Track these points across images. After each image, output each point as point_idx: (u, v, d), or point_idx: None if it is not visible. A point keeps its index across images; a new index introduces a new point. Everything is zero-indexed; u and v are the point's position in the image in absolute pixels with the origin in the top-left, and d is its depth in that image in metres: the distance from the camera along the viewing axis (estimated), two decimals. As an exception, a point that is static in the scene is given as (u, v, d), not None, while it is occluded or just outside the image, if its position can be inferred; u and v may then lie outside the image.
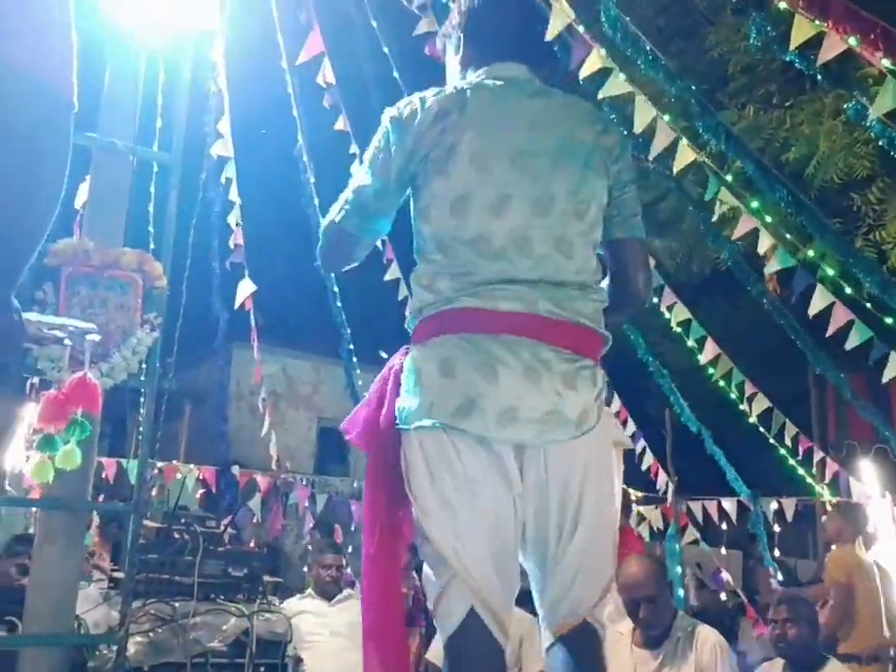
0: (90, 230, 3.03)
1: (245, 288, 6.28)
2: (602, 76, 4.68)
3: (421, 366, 1.76)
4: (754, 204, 5.26)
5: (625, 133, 5.24)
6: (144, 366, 2.90)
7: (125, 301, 2.84)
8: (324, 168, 6.34)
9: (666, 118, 4.81)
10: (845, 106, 5.00)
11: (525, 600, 1.91)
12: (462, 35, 2.02)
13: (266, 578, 3.49)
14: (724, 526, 7.19)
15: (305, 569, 6.71)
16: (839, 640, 4.89)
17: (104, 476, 6.15)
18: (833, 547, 5.67)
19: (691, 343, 6.41)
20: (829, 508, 6.68)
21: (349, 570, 5.80)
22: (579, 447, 1.75)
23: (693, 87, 4.72)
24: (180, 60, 3.32)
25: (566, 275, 1.80)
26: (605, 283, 1.94)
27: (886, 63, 3.51)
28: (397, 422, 1.77)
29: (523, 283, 1.76)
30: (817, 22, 3.54)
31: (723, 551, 7.78)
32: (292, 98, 5.84)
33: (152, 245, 3.10)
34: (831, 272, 5.51)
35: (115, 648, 2.58)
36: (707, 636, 3.34)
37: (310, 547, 7.33)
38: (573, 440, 1.73)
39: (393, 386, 1.81)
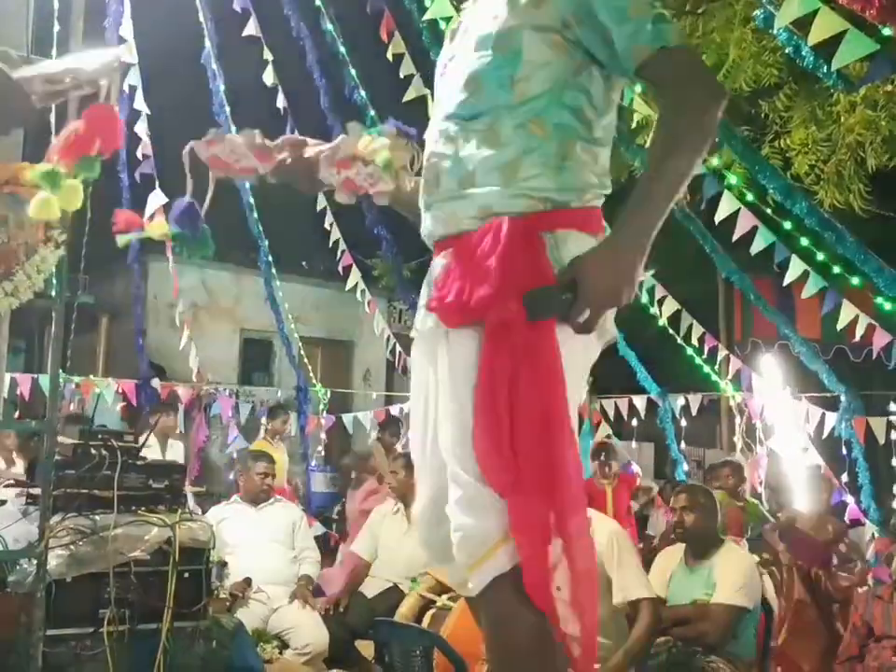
0: (-17, 146, 2.93)
1: (155, 200, 6.12)
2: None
3: None
4: (665, 112, 5.32)
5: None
6: (54, 282, 2.86)
7: (26, 217, 2.77)
8: (234, 74, 6.13)
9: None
10: (754, 14, 5.04)
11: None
12: None
13: (190, 488, 3.55)
14: (635, 423, 7.57)
15: (231, 476, 6.79)
16: None
17: (18, 393, 6.09)
18: None
19: (605, 249, 6.53)
20: (731, 404, 7.07)
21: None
22: None
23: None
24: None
25: None
26: None
27: (792, -30, 3.56)
28: None
29: None
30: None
31: (634, 444, 8.22)
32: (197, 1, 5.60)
33: (54, 159, 3.01)
34: (736, 179, 5.66)
35: (35, 561, 2.63)
36: (604, 525, 3.51)
37: (235, 456, 7.40)
38: None
39: None
